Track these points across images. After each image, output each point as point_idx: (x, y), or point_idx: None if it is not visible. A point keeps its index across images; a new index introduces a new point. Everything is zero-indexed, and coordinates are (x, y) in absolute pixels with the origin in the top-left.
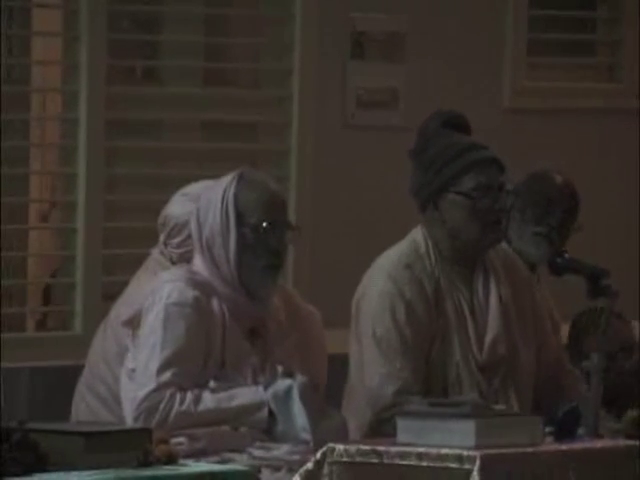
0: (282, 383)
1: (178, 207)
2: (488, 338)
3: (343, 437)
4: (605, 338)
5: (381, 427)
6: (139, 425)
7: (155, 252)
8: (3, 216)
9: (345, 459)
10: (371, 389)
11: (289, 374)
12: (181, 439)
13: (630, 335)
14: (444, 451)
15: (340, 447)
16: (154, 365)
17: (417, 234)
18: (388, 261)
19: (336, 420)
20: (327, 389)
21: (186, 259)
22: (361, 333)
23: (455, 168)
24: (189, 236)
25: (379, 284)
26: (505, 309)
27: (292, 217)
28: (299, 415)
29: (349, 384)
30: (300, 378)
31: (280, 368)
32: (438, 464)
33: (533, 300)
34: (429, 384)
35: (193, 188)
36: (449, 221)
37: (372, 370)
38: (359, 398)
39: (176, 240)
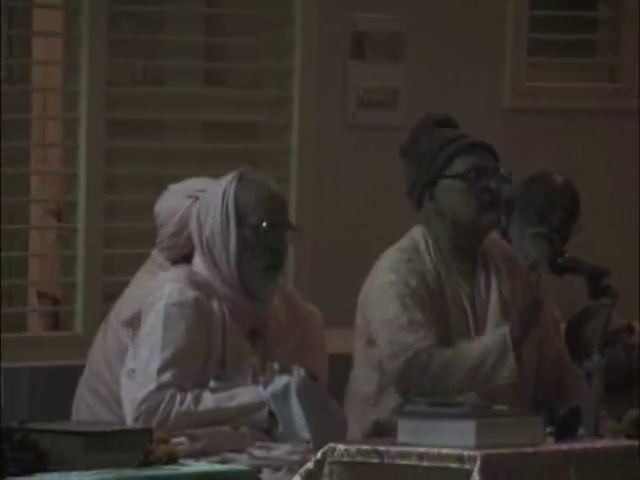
0: (280, 381)
1: (164, 201)
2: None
3: (342, 431)
4: (605, 336)
5: (407, 381)
6: (139, 425)
7: (154, 252)
8: (3, 216)
9: (346, 459)
10: (389, 370)
11: (286, 370)
12: (181, 439)
13: (623, 320)
14: (445, 451)
15: (341, 447)
16: (154, 365)
17: (416, 232)
18: (389, 257)
19: (335, 413)
20: (328, 389)
21: (182, 253)
22: (370, 326)
23: (448, 153)
24: (179, 228)
25: (383, 277)
26: (505, 304)
27: (292, 217)
28: (298, 413)
29: (350, 386)
30: (297, 373)
31: (276, 365)
32: (439, 464)
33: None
34: None
35: (185, 184)
36: (446, 208)
37: (387, 351)
38: (359, 401)
39: (163, 232)
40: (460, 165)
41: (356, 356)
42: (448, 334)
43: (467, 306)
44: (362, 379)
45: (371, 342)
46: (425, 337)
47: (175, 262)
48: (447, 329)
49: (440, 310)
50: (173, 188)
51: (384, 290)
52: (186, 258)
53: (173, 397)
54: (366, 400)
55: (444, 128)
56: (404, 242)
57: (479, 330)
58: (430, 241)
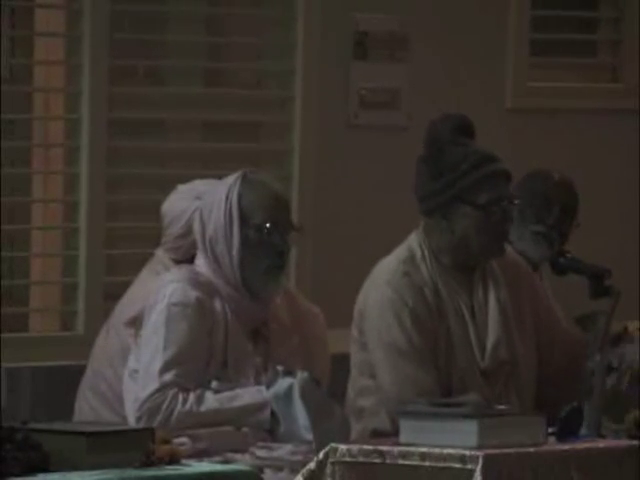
0: (283, 383)
1: (172, 202)
2: (489, 343)
3: (345, 434)
4: (607, 338)
5: None
6: (142, 425)
7: (159, 252)
8: (3, 216)
9: (347, 459)
10: (390, 398)
11: (290, 373)
12: (183, 439)
13: (621, 324)
14: (447, 451)
15: (343, 447)
16: (156, 365)
17: (413, 241)
18: (386, 269)
19: (338, 417)
20: (329, 389)
21: (189, 254)
22: (368, 344)
23: (470, 181)
24: (187, 230)
25: (380, 293)
26: (504, 311)
27: (295, 217)
28: (300, 415)
29: (348, 395)
30: (301, 376)
31: (280, 368)
32: (441, 464)
33: (535, 293)
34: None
35: (192, 185)
36: (459, 231)
37: (386, 379)
38: (357, 410)
39: (169, 232)
40: (480, 196)
41: (352, 366)
42: (450, 345)
43: (467, 316)
44: (359, 389)
45: (366, 350)
46: (419, 371)
47: (179, 262)
48: (448, 341)
49: (439, 325)
50: (181, 189)
51: (383, 309)
52: (192, 259)
53: (175, 397)
54: (364, 409)
55: (468, 141)
56: (400, 251)
57: (481, 340)
58: (427, 250)
